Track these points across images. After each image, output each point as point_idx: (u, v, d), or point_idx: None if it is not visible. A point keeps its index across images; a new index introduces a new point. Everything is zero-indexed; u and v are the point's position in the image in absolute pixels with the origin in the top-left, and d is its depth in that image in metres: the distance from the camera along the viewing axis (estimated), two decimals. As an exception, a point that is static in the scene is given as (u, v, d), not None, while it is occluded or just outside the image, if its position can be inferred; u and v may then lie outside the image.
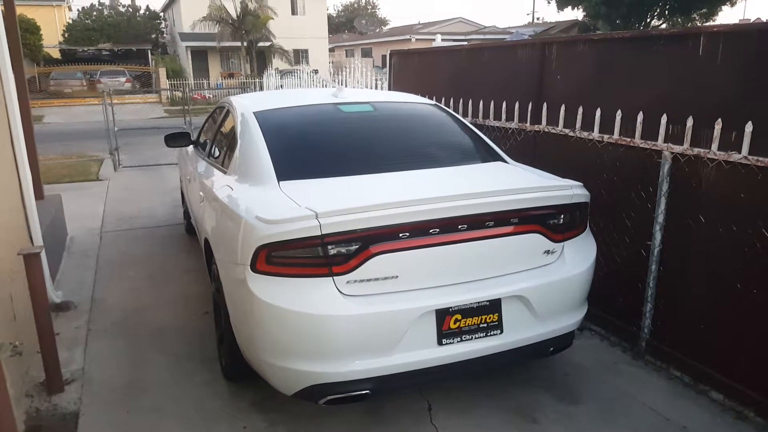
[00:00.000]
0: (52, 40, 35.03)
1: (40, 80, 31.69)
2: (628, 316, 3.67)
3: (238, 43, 31.01)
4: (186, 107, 12.50)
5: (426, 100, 4.38)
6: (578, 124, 3.87)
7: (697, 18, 25.00)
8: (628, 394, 3.21)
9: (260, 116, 3.58)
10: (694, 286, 3.29)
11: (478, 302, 2.71)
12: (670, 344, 3.42)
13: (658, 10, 24.85)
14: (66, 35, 38.17)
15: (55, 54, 35.38)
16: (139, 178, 9.69)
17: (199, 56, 34.79)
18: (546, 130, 4.16)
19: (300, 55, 34.85)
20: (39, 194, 5.16)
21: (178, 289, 4.74)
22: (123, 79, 31.35)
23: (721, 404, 3.09)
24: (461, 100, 5.08)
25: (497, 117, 4.64)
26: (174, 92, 25.62)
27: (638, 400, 3.15)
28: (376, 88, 8.52)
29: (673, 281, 3.39)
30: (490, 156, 3.64)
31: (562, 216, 2.96)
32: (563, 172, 3.33)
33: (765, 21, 3.23)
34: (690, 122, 3.13)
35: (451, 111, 4.19)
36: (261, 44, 31.52)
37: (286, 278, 2.56)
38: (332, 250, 2.53)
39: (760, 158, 2.80)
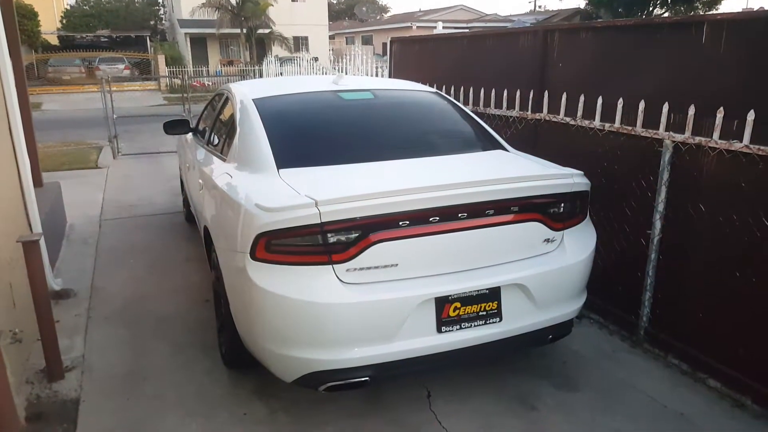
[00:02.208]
0: (49, 26, 34.81)
1: (38, 67, 31.55)
2: (627, 305, 3.68)
3: (238, 30, 30.82)
4: (185, 94, 12.47)
5: (427, 87, 4.36)
6: (579, 113, 3.85)
7: (699, 6, 24.86)
8: (627, 382, 3.22)
9: (259, 103, 3.56)
10: (693, 275, 3.29)
11: (478, 290, 2.72)
12: (668, 333, 3.43)
13: (661, -1, 24.72)
14: (64, 21, 37.96)
15: (53, 40, 35.17)
16: (138, 165, 9.68)
17: (199, 43, 34.59)
18: (547, 118, 4.15)
19: (300, 43, 34.65)
20: (38, 182, 5.16)
21: (178, 278, 4.75)
22: (122, 66, 31.23)
23: (719, 392, 3.10)
24: (462, 88, 5.06)
25: (498, 105, 4.62)
26: (173, 79, 25.56)
27: (636, 387, 3.17)
28: (377, 75, 8.49)
29: (673, 270, 3.39)
30: (491, 144, 3.63)
31: (563, 204, 2.96)
32: (564, 160, 3.32)
33: (768, 9, 3.23)
34: (692, 111, 3.12)
35: (452, 99, 4.17)
36: (260, 31, 31.33)
37: (285, 266, 2.56)
38: (332, 238, 2.53)
39: (762, 147, 2.79)
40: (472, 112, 4.11)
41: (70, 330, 3.82)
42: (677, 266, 3.37)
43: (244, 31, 30.74)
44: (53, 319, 3.27)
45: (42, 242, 3.58)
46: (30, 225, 4.11)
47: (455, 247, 2.71)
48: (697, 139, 3.10)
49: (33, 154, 4.86)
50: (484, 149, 3.57)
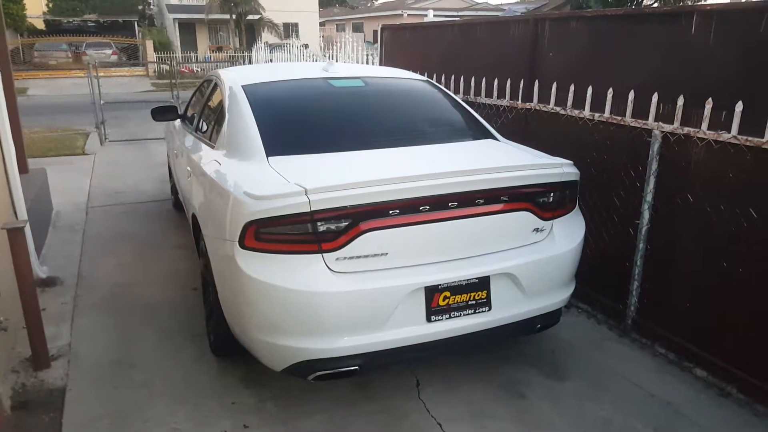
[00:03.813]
0: (35, 10, 34.25)
1: (23, 51, 31.10)
2: (615, 294, 3.70)
3: (227, 16, 30.51)
4: (173, 81, 12.36)
5: (418, 76, 4.34)
6: (569, 102, 3.85)
7: (689, -4, 24.88)
8: (614, 371, 3.25)
9: (249, 90, 3.52)
10: (680, 264, 3.31)
11: (467, 279, 2.72)
12: (655, 322, 3.46)
13: (651, -12, 24.68)
14: (50, 5, 37.32)
15: (39, 25, 34.66)
16: (125, 152, 9.58)
17: (187, 29, 34.21)
18: (537, 108, 4.14)
19: (290, 29, 34.36)
20: (23, 168, 5.09)
21: (165, 265, 4.72)
22: (109, 52, 30.84)
23: (705, 381, 3.14)
24: (453, 77, 5.04)
25: (489, 94, 4.61)
26: (161, 65, 25.30)
27: (624, 376, 3.19)
28: (368, 63, 8.43)
29: (661, 260, 3.42)
30: (481, 133, 3.62)
31: (552, 194, 2.96)
32: (554, 150, 3.32)
33: (758, 0, 3.24)
34: (681, 101, 3.12)
35: (442, 87, 4.15)
36: (250, 17, 31.04)
37: (275, 255, 2.55)
38: (322, 227, 2.51)
39: (750, 138, 2.80)
40: (462, 100, 4.10)
41: (56, 318, 3.78)
42: (665, 256, 3.39)
43: (234, 16, 30.44)
44: (39, 307, 3.24)
45: (27, 229, 3.54)
46: (15, 212, 4.06)
47: (445, 237, 2.71)
48: (686, 129, 3.11)
49: (18, 139, 4.79)
50: (475, 138, 3.56)
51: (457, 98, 4.06)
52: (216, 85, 4.13)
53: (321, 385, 3.03)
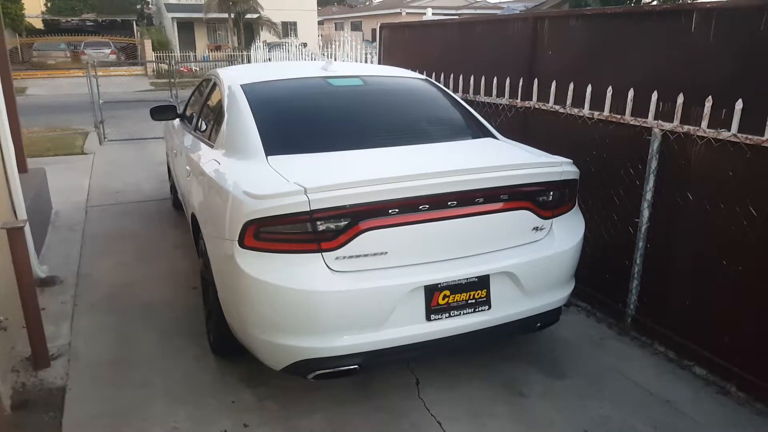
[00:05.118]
0: (34, 9, 34.25)
1: (22, 51, 31.09)
2: (614, 293, 3.70)
3: (226, 15, 30.46)
4: (172, 80, 12.35)
5: (417, 74, 4.33)
6: (569, 101, 3.85)
7: (688, -6, 24.87)
8: (614, 369, 3.25)
9: (248, 89, 3.52)
10: (680, 263, 3.32)
11: (467, 278, 2.72)
12: (655, 320, 3.46)
13: (650, -14, 24.68)
14: (48, 5, 37.30)
15: (38, 24, 34.66)
16: (125, 151, 9.57)
17: (186, 28, 34.18)
18: (537, 106, 4.14)
19: (288, 28, 34.31)
20: (22, 168, 5.08)
21: (165, 265, 4.72)
22: (108, 51, 30.86)
23: (704, 379, 3.14)
24: (452, 75, 5.04)
25: (488, 93, 4.61)
26: (160, 65, 25.29)
27: (623, 374, 3.20)
28: (366, 62, 8.42)
29: (660, 258, 3.42)
30: (481, 132, 3.62)
31: (552, 193, 2.96)
32: (553, 148, 3.32)
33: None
34: (680, 99, 3.12)
35: (441, 86, 4.15)
36: (249, 16, 31.00)
37: (274, 254, 2.55)
38: (321, 226, 2.51)
39: (750, 136, 2.80)
40: (461, 99, 4.10)
41: (56, 317, 3.78)
42: (664, 254, 3.39)
43: (232, 15, 30.39)
44: (39, 307, 3.24)
45: (27, 229, 3.53)
46: (14, 211, 4.05)
47: (445, 235, 2.71)
48: (686, 127, 3.11)
49: (17, 139, 4.79)
50: (474, 137, 3.56)
51: (457, 97, 4.05)
52: (215, 84, 4.12)
53: (321, 384, 3.03)
